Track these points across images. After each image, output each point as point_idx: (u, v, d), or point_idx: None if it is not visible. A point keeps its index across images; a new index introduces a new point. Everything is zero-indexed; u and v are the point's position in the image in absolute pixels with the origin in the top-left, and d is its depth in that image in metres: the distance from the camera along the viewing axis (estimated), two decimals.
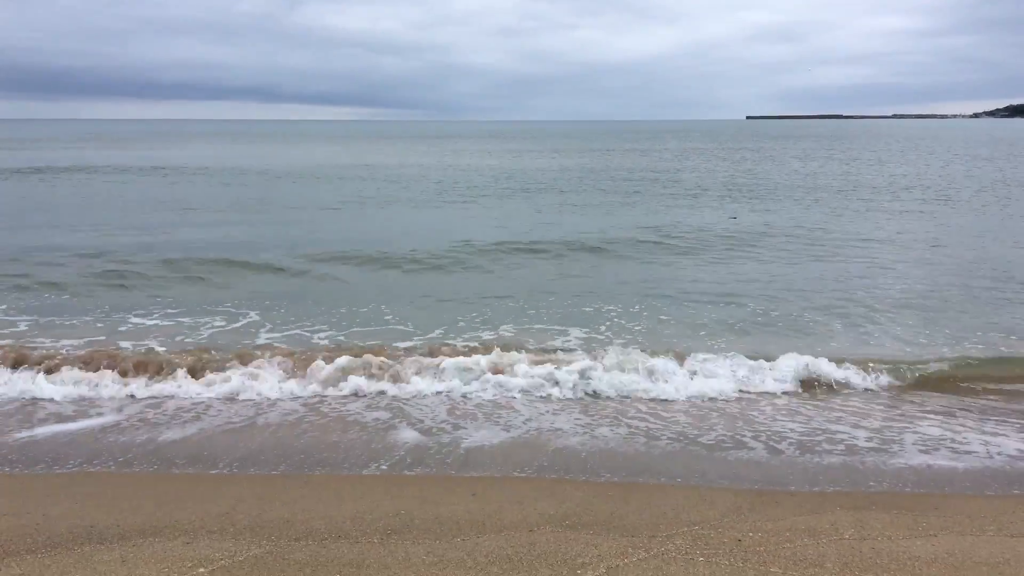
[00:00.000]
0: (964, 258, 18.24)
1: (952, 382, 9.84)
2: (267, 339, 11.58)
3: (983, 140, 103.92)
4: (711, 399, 9.28)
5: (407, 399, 9.14)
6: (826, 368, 9.89)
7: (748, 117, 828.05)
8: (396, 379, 9.55)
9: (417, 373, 9.70)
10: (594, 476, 7.03)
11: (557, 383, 9.45)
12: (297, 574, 4.70)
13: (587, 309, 13.50)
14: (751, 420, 8.60)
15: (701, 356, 10.33)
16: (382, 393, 9.31)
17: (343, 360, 9.78)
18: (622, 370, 9.73)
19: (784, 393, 9.51)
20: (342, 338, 11.68)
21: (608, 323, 12.60)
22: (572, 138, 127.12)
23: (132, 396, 9.20)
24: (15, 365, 9.82)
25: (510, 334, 11.94)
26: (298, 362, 10.05)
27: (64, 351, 10.55)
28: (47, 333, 11.75)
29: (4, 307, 13.25)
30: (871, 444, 7.85)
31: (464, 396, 9.28)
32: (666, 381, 9.57)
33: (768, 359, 10.17)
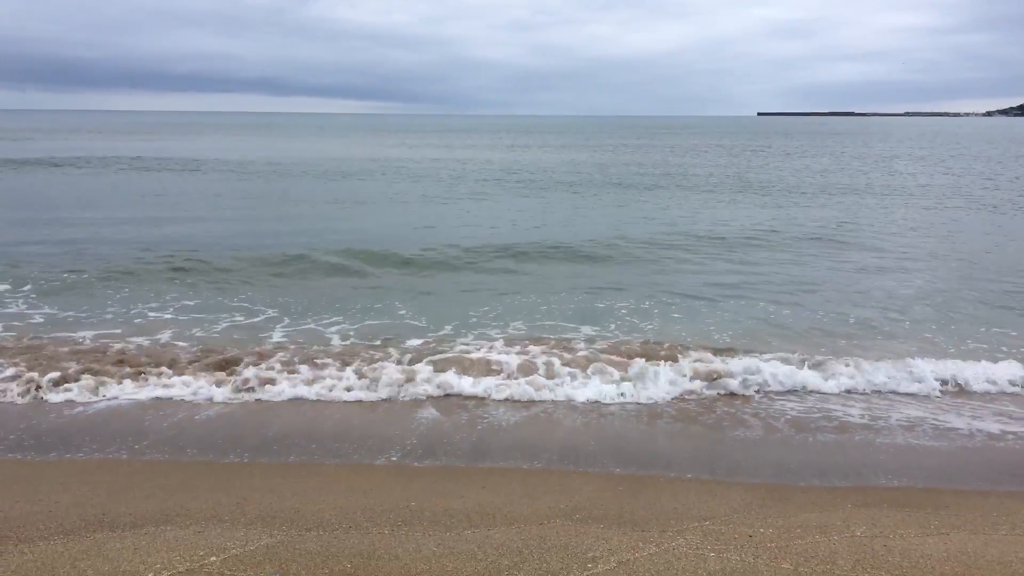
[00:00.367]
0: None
1: None
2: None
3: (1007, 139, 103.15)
4: None
5: None
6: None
7: (759, 114, 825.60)
8: None
9: None
10: None
11: None
12: (308, 563, 4.71)
13: (600, 305, 13.49)
14: None
15: None
16: None
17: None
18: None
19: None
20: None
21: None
22: (583, 134, 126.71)
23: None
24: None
25: (521, 331, 11.94)
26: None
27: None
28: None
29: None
30: None
31: None
32: None
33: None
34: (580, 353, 10.50)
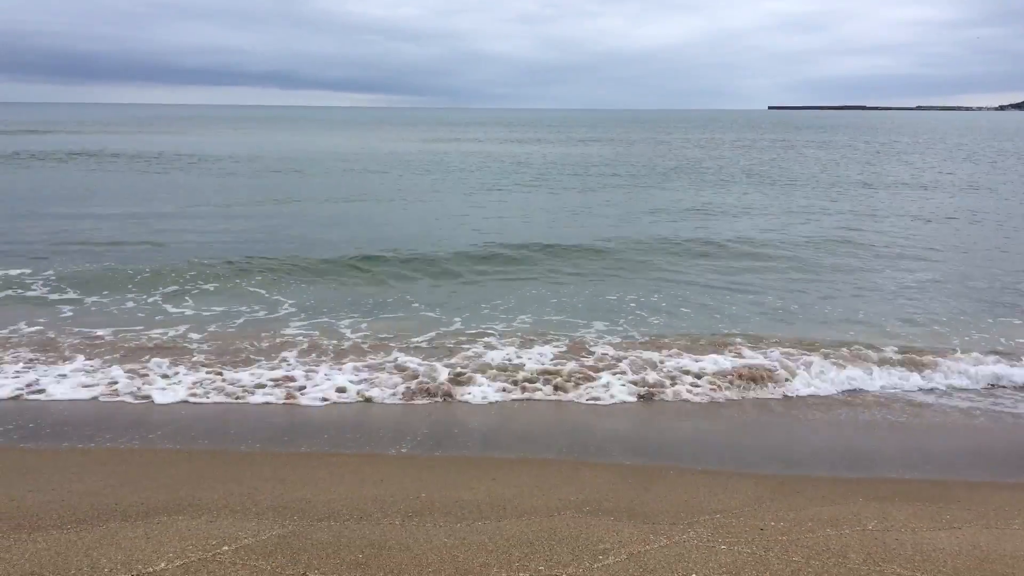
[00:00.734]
0: None
1: None
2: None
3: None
4: None
5: None
6: None
7: (770, 107, 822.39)
8: None
9: None
10: None
11: None
12: (320, 553, 4.72)
13: (610, 297, 13.47)
14: None
15: None
16: None
17: None
18: None
19: None
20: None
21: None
22: (595, 127, 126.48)
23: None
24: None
25: (527, 324, 11.95)
26: None
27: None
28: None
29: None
30: None
31: None
32: None
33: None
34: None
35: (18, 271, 14.56)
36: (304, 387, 9.01)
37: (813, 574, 4.60)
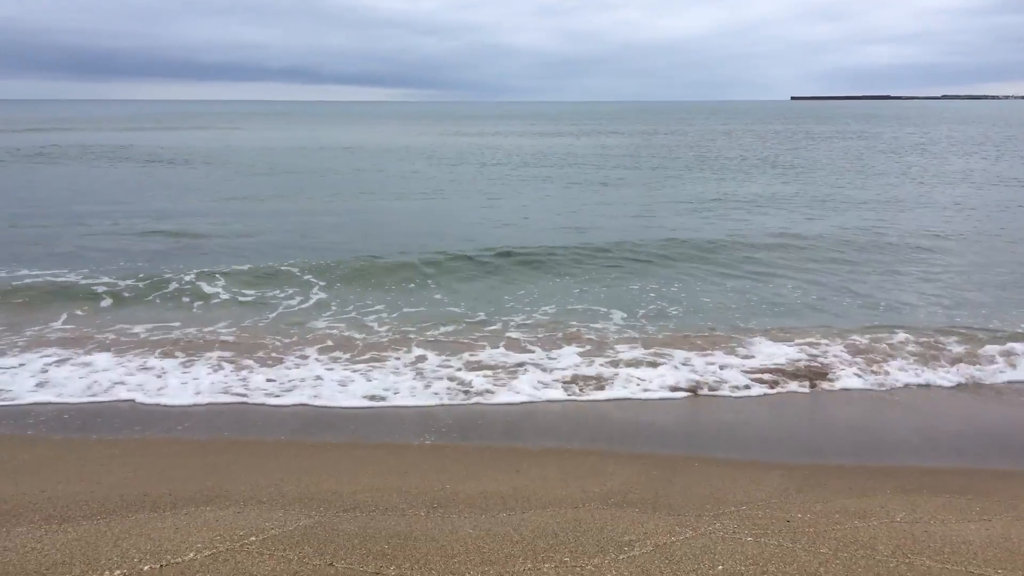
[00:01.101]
0: None
1: None
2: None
3: None
4: None
5: None
6: None
7: (792, 98, 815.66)
8: None
9: None
10: None
11: None
12: (346, 544, 4.75)
13: (630, 288, 13.43)
14: None
15: None
16: None
17: None
18: None
19: None
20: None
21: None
22: (620, 120, 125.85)
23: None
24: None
25: (547, 317, 11.95)
26: None
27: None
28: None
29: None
30: None
31: None
32: None
33: None
34: None
35: (63, 270, 14.71)
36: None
37: (841, 566, 4.56)
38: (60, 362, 9.46)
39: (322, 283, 13.83)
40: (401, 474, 6.33)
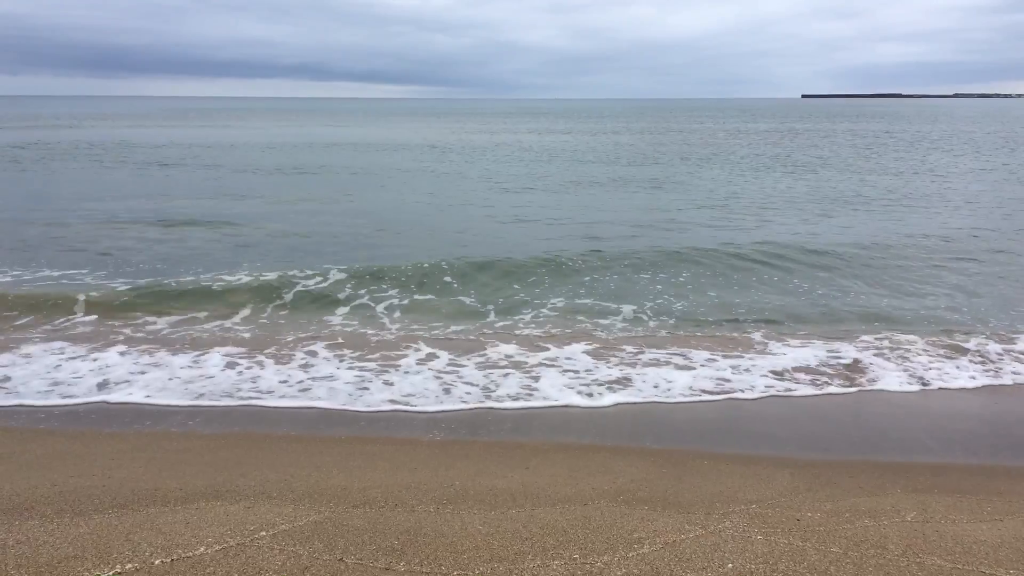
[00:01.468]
0: None
1: None
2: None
3: None
4: None
5: None
6: None
7: (803, 96, 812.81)
8: None
9: None
10: None
11: None
12: (356, 539, 4.76)
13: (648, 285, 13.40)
14: None
15: None
16: None
17: None
18: None
19: None
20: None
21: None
22: (636, 117, 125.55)
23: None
24: None
25: (553, 313, 11.94)
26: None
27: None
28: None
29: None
30: None
31: None
32: None
33: None
34: None
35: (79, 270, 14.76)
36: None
37: (851, 565, 4.55)
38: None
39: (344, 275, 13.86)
40: (411, 470, 6.34)
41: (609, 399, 8.56)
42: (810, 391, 8.83)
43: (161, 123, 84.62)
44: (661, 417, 8.13)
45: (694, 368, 9.46)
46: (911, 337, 10.71)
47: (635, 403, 8.47)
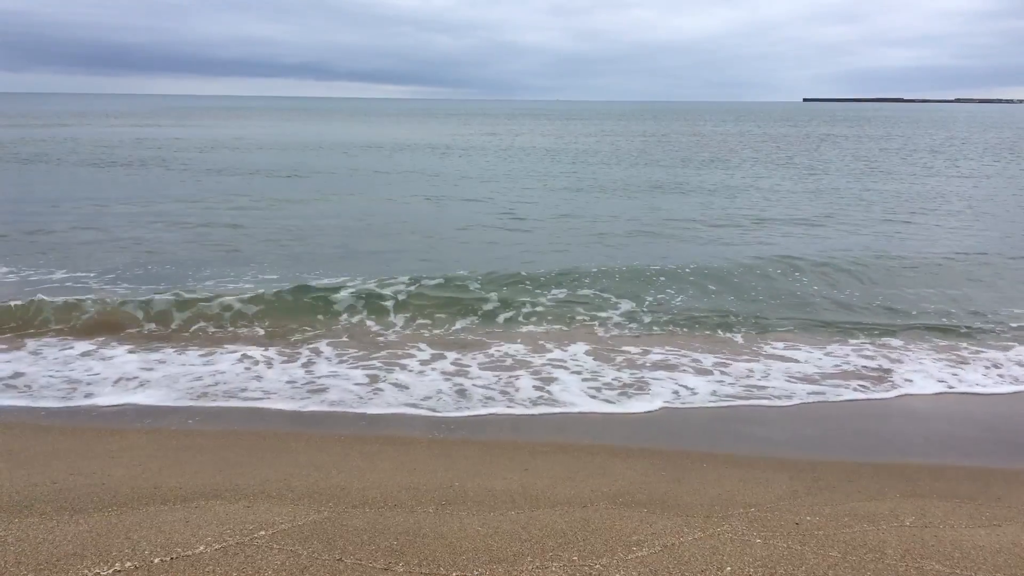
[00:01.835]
0: None
1: None
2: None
3: None
4: None
5: None
6: None
7: (805, 99, 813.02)
8: None
9: None
10: None
11: None
12: (355, 540, 4.76)
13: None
14: None
15: None
16: None
17: None
18: None
19: None
20: None
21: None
22: (638, 119, 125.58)
23: None
24: None
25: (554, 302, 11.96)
26: None
27: None
28: None
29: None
30: None
31: None
32: None
33: None
34: None
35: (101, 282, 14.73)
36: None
37: (850, 569, 4.56)
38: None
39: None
40: (410, 471, 6.35)
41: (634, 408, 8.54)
42: (846, 396, 8.85)
43: (187, 122, 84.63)
44: (654, 417, 8.15)
45: (711, 372, 9.48)
46: (910, 341, 10.72)
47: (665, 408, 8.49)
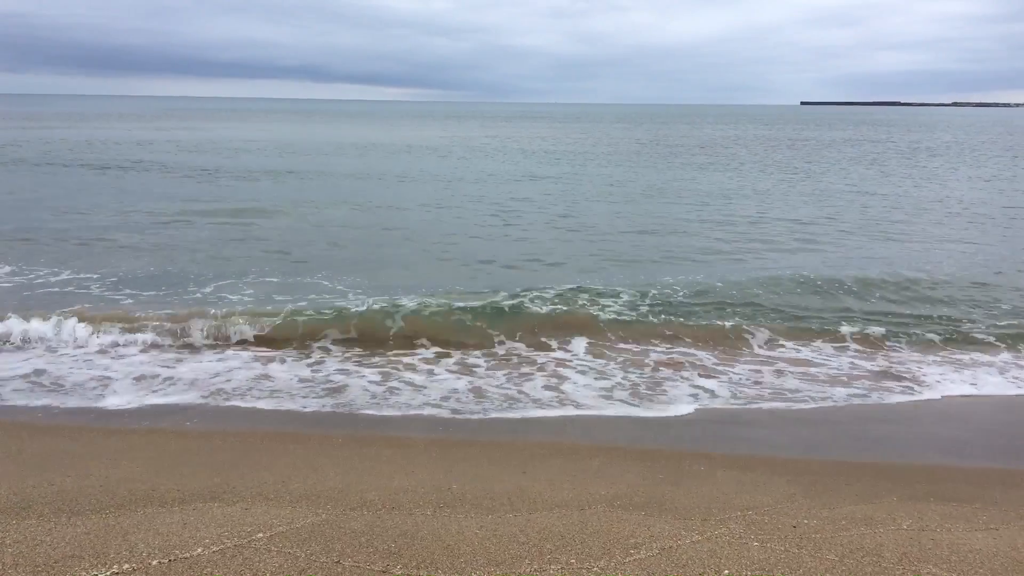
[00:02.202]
0: None
1: None
2: None
3: None
4: None
5: None
6: None
7: (802, 103, 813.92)
8: None
9: None
10: None
11: None
12: (353, 542, 4.76)
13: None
14: None
15: None
16: None
17: None
18: None
19: None
20: None
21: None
22: (643, 122, 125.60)
23: None
24: None
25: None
26: None
27: None
28: None
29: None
30: None
31: None
32: None
33: None
34: None
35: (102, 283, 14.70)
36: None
37: (847, 572, 4.56)
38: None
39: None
40: (408, 473, 6.35)
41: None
42: (846, 399, 8.89)
43: (187, 124, 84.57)
44: (652, 419, 8.16)
45: (723, 375, 9.53)
46: (912, 344, 10.74)
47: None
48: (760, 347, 10.68)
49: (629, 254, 16.85)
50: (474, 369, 9.67)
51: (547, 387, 9.01)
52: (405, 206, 23.89)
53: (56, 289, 13.05)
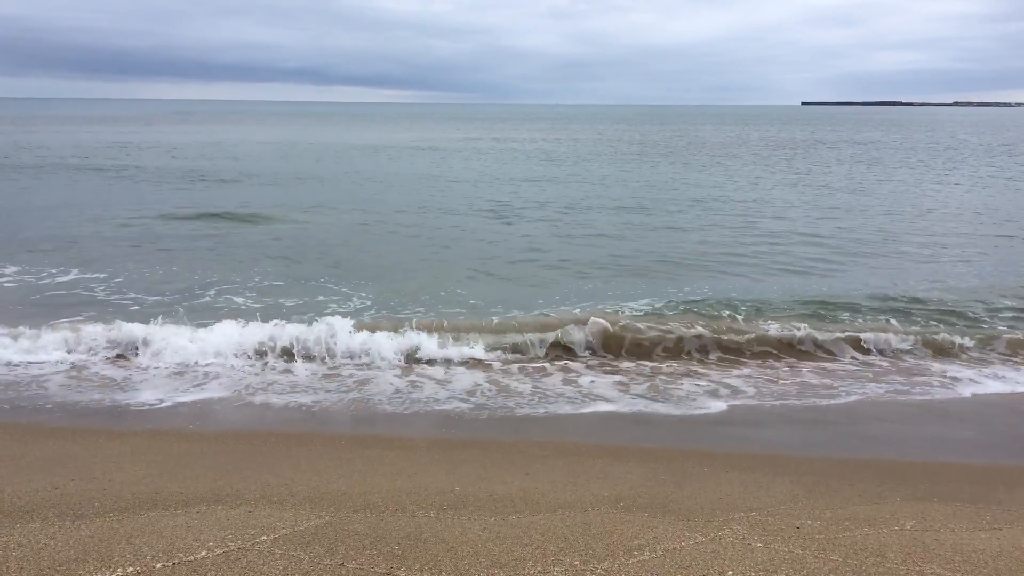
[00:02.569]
0: None
1: None
2: None
3: None
4: None
5: None
6: None
7: (803, 103, 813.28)
8: None
9: None
10: None
11: None
12: (357, 544, 4.76)
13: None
14: None
15: None
16: None
17: None
18: None
19: None
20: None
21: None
22: (644, 122, 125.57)
23: None
24: None
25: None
26: None
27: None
28: None
29: None
30: None
31: None
32: None
33: None
34: None
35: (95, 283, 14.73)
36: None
37: (851, 573, 4.56)
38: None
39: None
40: (411, 475, 6.35)
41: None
42: (845, 398, 8.88)
43: (188, 126, 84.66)
44: (654, 420, 8.15)
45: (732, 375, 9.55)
46: (915, 345, 10.72)
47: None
48: (771, 348, 10.65)
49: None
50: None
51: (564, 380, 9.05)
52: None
53: (63, 292, 13.07)
